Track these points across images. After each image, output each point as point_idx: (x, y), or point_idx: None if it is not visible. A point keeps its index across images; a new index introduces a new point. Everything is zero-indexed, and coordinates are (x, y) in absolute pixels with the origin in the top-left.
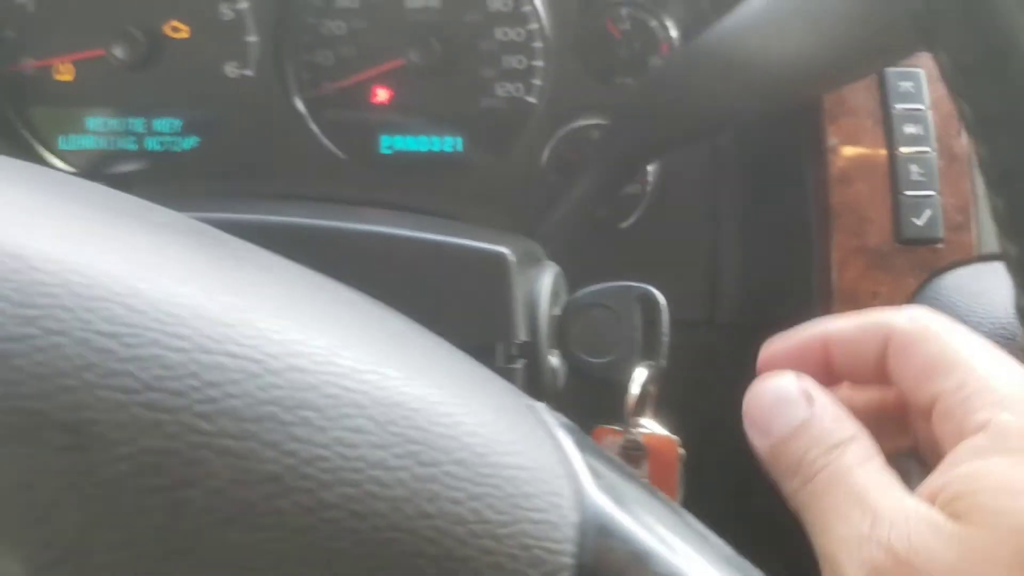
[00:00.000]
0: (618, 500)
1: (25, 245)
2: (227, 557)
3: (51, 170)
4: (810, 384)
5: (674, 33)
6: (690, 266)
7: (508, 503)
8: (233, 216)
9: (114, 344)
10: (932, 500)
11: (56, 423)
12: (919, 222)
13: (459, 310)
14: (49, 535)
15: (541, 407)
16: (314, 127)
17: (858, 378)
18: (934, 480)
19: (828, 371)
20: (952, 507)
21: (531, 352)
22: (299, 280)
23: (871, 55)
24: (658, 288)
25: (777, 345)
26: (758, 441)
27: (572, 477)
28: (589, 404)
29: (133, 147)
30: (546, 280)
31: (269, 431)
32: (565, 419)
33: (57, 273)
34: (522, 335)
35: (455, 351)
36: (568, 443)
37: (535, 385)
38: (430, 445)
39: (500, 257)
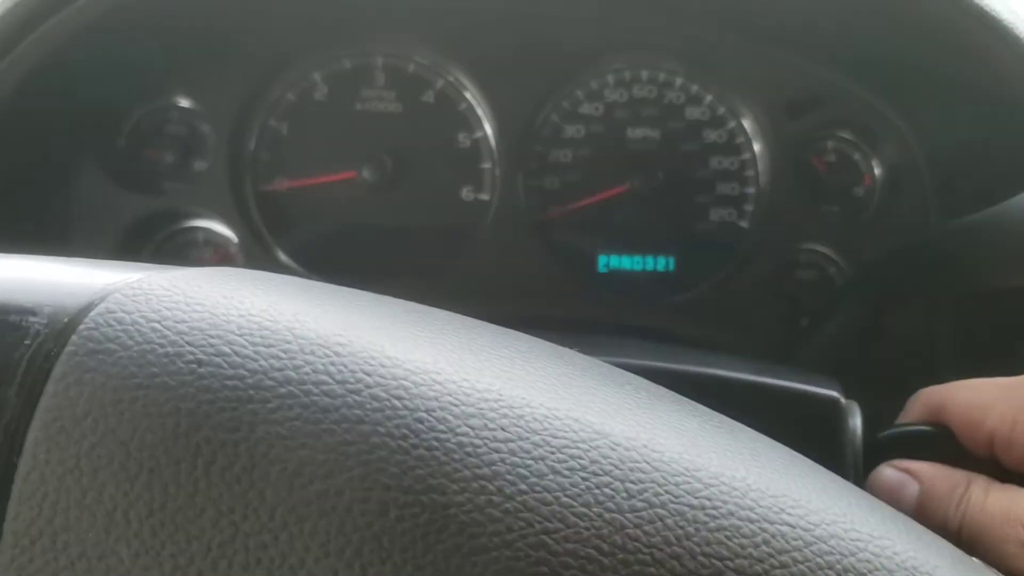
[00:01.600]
0: None
1: (604, 423)
2: None
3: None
4: (901, 462)
5: (877, 170)
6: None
7: None
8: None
9: (702, 515)
10: None
11: None
12: None
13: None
14: None
15: (979, 563)
16: (540, 247)
17: None
18: None
19: None
20: None
21: None
22: (774, 448)
23: None
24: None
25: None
26: None
27: None
28: None
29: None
30: (858, 420)
31: None
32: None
33: (638, 450)
34: (851, 476)
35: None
36: None
37: None
38: None
39: (834, 401)
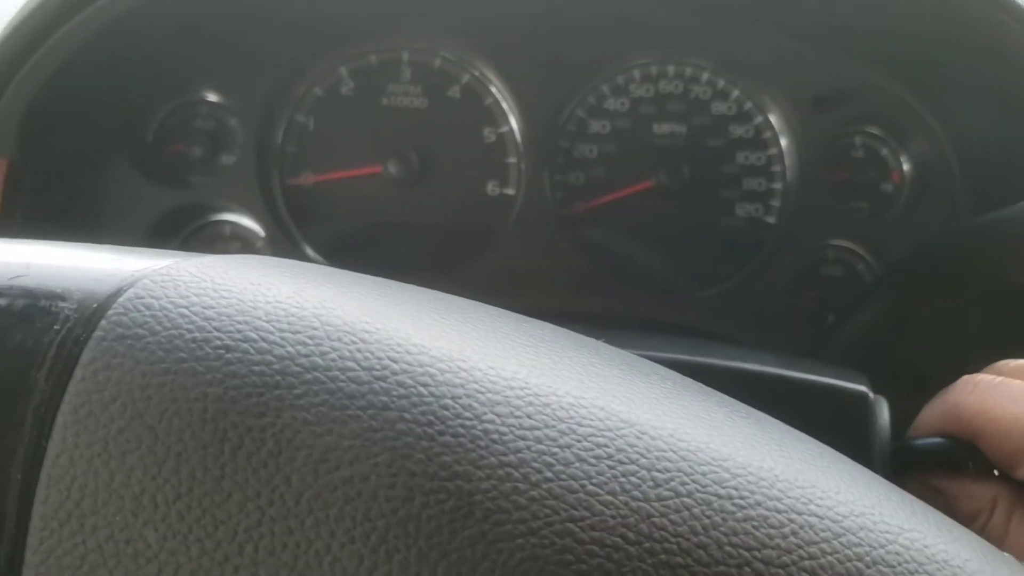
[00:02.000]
0: None
1: (630, 412)
2: None
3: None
4: (927, 478)
5: (906, 166)
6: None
7: None
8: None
9: (730, 505)
10: None
11: None
12: None
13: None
14: None
15: (1010, 558)
16: (566, 242)
17: None
18: None
19: None
20: None
21: None
22: (802, 439)
23: None
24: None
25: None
26: None
27: None
28: None
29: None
30: (886, 416)
31: None
32: None
33: (664, 439)
34: (879, 472)
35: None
36: None
37: None
38: None
39: (863, 396)
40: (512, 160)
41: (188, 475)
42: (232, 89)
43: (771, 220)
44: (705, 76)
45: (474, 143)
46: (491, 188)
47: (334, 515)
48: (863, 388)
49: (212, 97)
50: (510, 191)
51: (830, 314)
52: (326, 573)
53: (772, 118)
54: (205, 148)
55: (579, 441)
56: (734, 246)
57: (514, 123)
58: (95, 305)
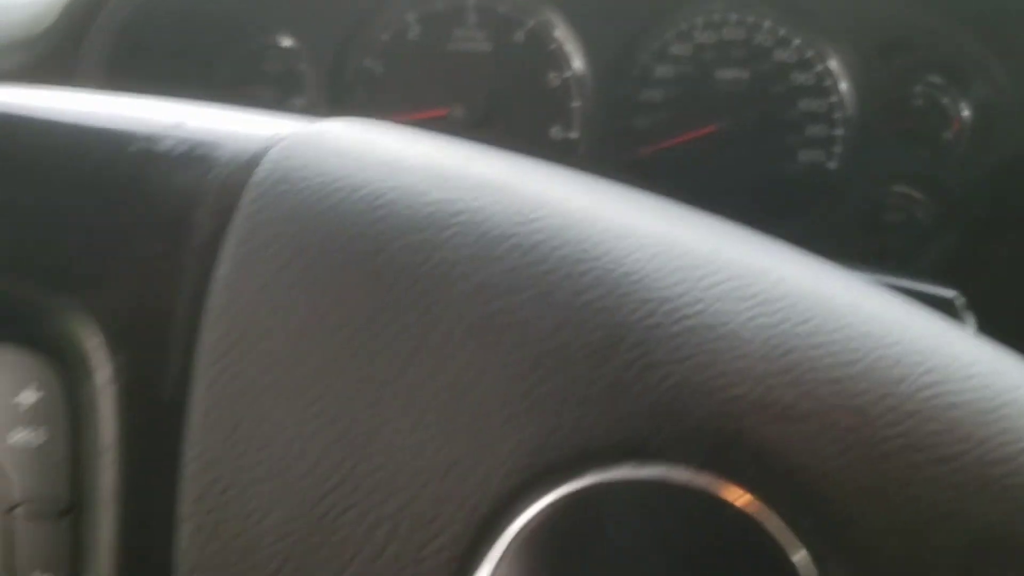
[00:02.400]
0: None
1: (768, 262)
2: None
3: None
4: None
5: (966, 112)
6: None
7: None
8: None
9: (868, 342)
10: None
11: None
12: None
13: None
14: None
15: None
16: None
17: None
18: None
19: None
20: None
21: None
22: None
23: None
24: None
25: None
26: None
27: None
28: None
29: None
30: (970, 329)
31: None
32: None
33: (802, 284)
34: None
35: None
36: None
37: None
38: None
39: (949, 303)
40: (576, 104)
41: (346, 309)
42: (304, 34)
43: (833, 166)
44: (767, 24)
45: (538, 87)
46: (555, 132)
47: (488, 343)
48: (949, 294)
49: (285, 42)
50: (574, 135)
51: (891, 259)
52: (479, 399)
53: (833, 65)
54: (277, 91)
55: (720, 283)
56: (796, 191)
57: (579, 67)
58: (250, 154)
